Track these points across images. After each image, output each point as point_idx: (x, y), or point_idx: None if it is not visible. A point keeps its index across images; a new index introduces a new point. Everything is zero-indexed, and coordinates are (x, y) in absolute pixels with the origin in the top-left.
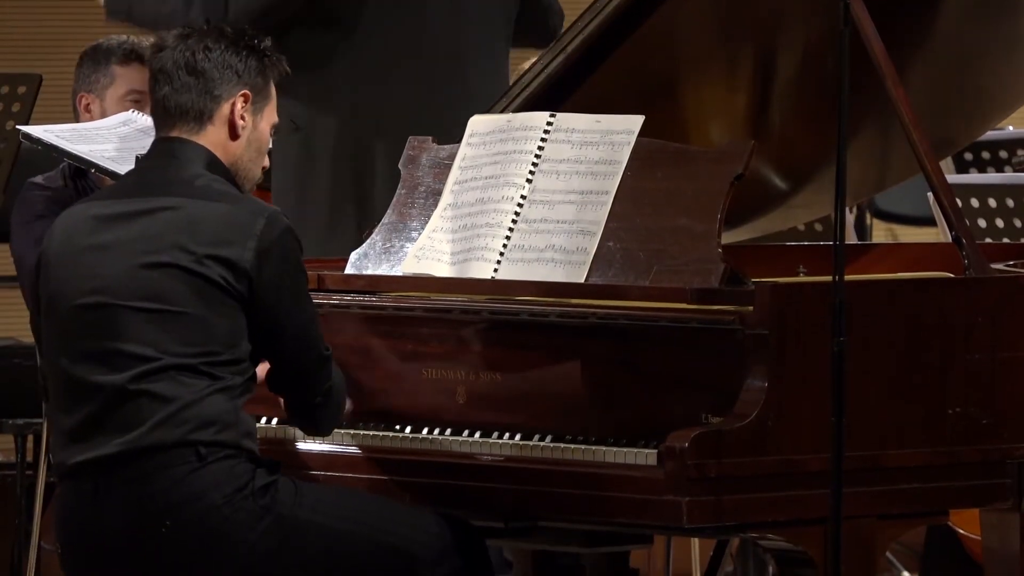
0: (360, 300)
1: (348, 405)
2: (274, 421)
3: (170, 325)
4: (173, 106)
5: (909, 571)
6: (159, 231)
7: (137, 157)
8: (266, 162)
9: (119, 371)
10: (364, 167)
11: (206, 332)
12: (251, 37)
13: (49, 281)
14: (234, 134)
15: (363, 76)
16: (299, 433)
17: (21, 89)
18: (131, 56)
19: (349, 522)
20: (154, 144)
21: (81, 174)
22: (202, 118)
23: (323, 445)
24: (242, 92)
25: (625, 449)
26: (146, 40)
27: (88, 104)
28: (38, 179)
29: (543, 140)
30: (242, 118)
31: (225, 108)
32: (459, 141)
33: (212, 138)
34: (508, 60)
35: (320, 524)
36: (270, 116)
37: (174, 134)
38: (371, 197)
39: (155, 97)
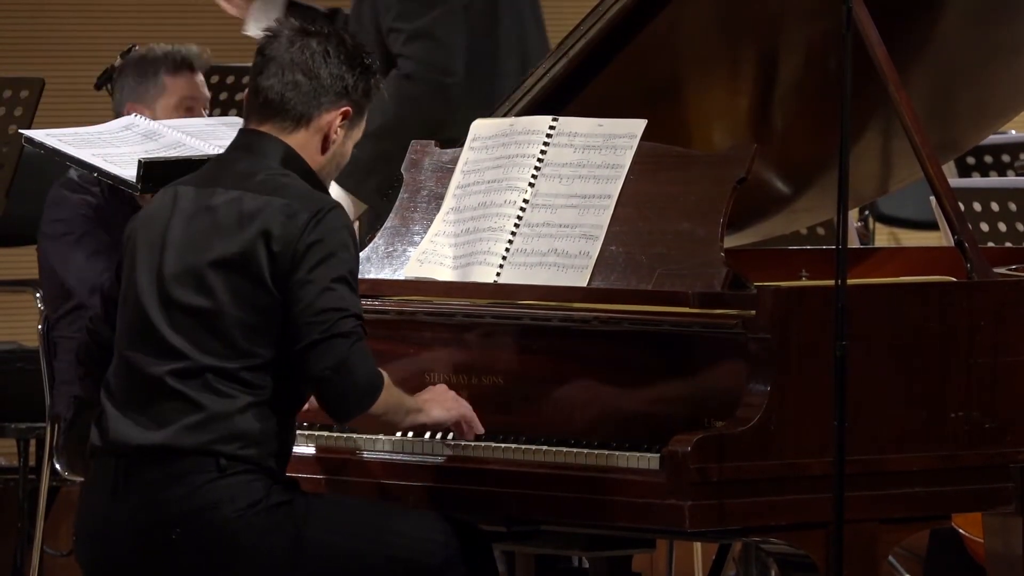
0: (362, 304)
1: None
2: None
3: (212, 325)
4: (276, 99)
5: (912, 575)
6: (213, 229)
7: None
8: None
9: (160, 363)
10: None
11: (248, 335)
12: (367, 54)
13: (127, 264)
14: (325, 146)
15: None
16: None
17: (24, 93)
18: (182, 66)
19: (356, 537)
20: (239, 135)
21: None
22: (299, 121)
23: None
24: (344, 107)
25: (627, 453)
26: (191, 48)
27: (138, 115)
28: (72, 175)
29: (545, 144)
30: (336, 132)
31: (325, 119)
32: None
33: (300, 141)
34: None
35: (328, 541)
36: (356, 136)
37: (264, 129)
38: None
39: (257, 83)
